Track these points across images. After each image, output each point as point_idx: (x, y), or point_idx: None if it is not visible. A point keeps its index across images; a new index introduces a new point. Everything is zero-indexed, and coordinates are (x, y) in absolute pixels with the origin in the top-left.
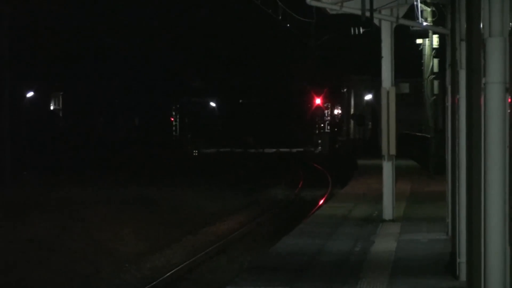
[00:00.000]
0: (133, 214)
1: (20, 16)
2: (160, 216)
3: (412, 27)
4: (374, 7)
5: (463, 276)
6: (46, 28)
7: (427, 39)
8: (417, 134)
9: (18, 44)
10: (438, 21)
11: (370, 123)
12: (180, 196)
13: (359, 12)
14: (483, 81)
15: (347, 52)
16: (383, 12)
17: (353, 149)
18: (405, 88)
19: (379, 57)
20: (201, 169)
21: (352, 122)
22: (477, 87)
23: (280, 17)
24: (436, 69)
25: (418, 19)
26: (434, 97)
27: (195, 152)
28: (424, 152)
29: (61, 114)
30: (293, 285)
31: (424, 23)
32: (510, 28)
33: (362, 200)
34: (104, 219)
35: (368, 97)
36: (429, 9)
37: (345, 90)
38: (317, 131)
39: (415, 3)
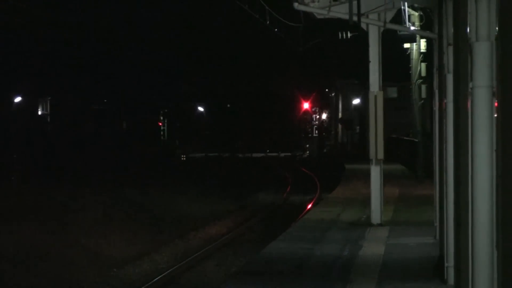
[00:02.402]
0: (121, 218)
1: (8, 21)
2: (148, 221)
3: (399, 31)
4: (362, 11)
5: (451, 280)
6: (33, 31)
7: (414, 44)
8: (405, 138)
9: (6, 49)
10: (426, 25)
11: (358, 127)
12: (168, 201)
13: (346, 17)
14: (470, 85)
15: (335, 57)
16: (370, 16)
17: (341, 153)
18: (393, 92)
19: (367, 62)
20: (190, 173)
21: (340, 126)
22: (464, 91)
23: (267, 22)
24: (423, 73)
25: (405, 23)
26: (422, 101)
27: (183, 157)
28: (412, 156)
29: (49, 119)
30: None
31: (412, 28)
32: (496, 33)
33: (350, 204)
34: (92, 223)
35: (356, 101)
36: (416, 14)
37: (333, 94)
38: (305, 135)
39: (402, 7)
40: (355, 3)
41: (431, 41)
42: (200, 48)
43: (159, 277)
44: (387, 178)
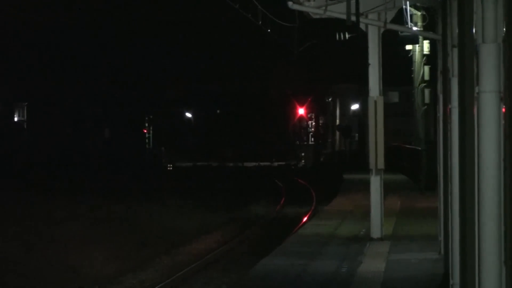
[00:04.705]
0: (104, 232)
1: None
2: (133, 235)
3: (401, 32)
4: (360, 11)
5: None
6: (12, 36)
7: (417, 45)
8: (407, 146)
9: None
10: (429, 26)
11: (356, 134)
12: (154, 214)
13: (344, 17)
14: (476, 89)
15: (332, 59)
16: (370, 16)
17: (338, 162)
18: (394, 97)
19: (366, 64)
20: (176, 184)
21: (337, 133)
22: (470, 96)
23: (260, 22)
24: (427, 77)
25: (407, 24)
26: (425, 106)
27: (169, 166)
28: (414, 165)
29: (25, 126)
30: None
31: (414, 28)
32: (503, 34)
33: (348, 217)
34: (73, 237)
35: (355, 106)
36: (419, 13)
37: (330, 99)
38: (300, 143)
39: (403, 7)
40: (353, 2)
41: (434, 42)
42: (189, 51)
43: None
44: (388, 189)
